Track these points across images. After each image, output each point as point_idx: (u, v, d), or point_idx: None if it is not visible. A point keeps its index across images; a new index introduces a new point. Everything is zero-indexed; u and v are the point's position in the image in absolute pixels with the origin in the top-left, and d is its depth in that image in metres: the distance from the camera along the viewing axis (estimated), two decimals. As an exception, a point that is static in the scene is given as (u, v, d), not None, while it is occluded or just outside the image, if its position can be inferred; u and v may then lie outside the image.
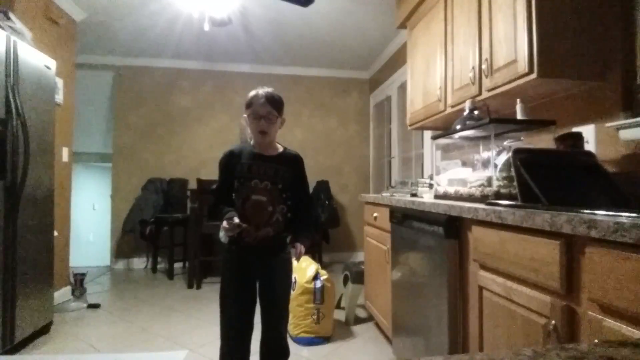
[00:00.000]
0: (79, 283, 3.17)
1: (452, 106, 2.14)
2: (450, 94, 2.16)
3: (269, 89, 1.56)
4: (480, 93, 1.85)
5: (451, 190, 1.80)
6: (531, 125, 1.69)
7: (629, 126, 1.42)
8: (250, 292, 1.58)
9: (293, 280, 2.50)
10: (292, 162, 1.62)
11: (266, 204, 1.53)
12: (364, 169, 5.17)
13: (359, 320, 2.85)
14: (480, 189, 1.56)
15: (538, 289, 1.02)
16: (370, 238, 2.72)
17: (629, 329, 0.76)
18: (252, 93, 1.55)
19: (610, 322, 0.80)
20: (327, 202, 4.55)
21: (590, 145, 1.56)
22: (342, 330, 2.66)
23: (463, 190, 1.69)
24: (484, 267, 1.29)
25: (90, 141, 4.92)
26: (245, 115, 1.57)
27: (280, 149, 1.63)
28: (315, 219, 4.42)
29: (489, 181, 1.53)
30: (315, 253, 4.43)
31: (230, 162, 1.58)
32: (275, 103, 1.53)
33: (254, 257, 1.56)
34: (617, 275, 0.78)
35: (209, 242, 4.10)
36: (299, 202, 1.62)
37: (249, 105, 1.53)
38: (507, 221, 1.11)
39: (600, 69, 1.51)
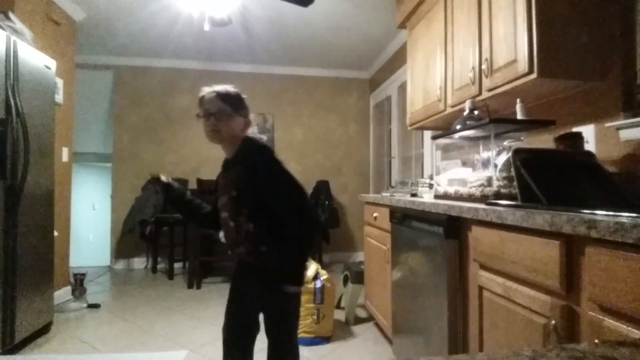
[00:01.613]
0: (79, 283, 3.17)
1: (452, 106, 2.14)
2: (450, 94, 2.16)
3: (226, 85, 1.37)
4: (480, 93, 1.85)
5: (451, 190, 1.80)
6: (531, 125, 1.69)
7: (629, 126, 1.42)
8: (246, 311, 1.41)
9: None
10: (245, 158, 1.34)
11: (228, 220, 1.34)
12: (364, 169, 5.17)
13: (359, 320, 2.85)
14: (480, 189, 1.56)
15: (538, 289, 1.02)
16: (370, 238, 2.72)
17: (629, 329, 0.76)
18: (202, 90, 1.37)
19: (610, 322, 0.80)
20: (327, 202, 4.55)
21: (590, 145, 1.57)
22: (342, 330, 2.66)
23: (463, 190, 1.69)
24: (484, 267, 1.29)
25: (90, 141, 4.93)
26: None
27: (238, 146, 1.36)
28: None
29: (489, 181, 1.53)
30: (315, 253, 4.43)
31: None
32: (228, 98, 1.33)
33: (249, 274, 1.40)
34: (617, 275, 0.78)
35: (209, 242, 4.10)
36: (268, 212, 1.29)
37: (200, 103, 1.35)
38: (507, 221, 1.11)
39: (600, 69, 1.51)
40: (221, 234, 3.65)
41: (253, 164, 1.31)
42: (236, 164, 1.35)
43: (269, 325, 1.40)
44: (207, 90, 1.35)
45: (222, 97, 1.33)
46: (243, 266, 1.43)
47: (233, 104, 1.34)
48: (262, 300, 1.38)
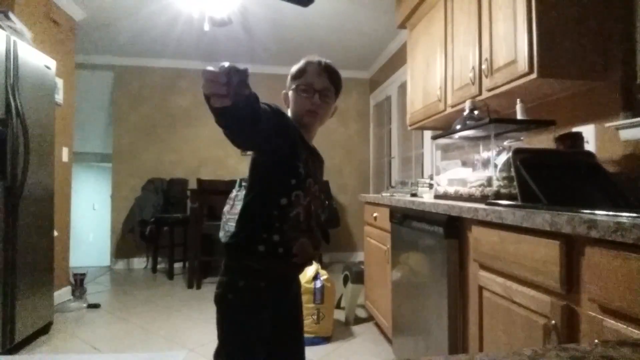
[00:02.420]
0: (79, 283, 3.17)
1: (452, 106, 2.14)
2: (450, 94, 2.16)
3: (328, 61, 1.13)
4: (480, 93, 1.85)
5: (451, 190, 1.80)
6: (531, 125, 1.69)
7: (629, 126, 1.42)
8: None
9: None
10: (323, 167, 1.26)
11: (316, 213, 1.12)
12: (364, 169, 5.17)
13: (359, 320, 2.85)
14: (480, 189, 1.56)
15: (538, 289, 1.02)
16: (370, 238, 2.72)
17: (629, 329, 0.76)
18: (305, 59, 1.13)
19: (610, 322, 0.80)
20: (327, 202, 4.55)
21: (590, 145, 1.56)
22: (342, 330, 2.66)
23: (463, 190, 1.69)
24: (484, 267, 1.29)
25: (90, 141, 4.92)
26: (285, 92, 1.15)
27: None
28: None
29: (489, 181, 1.53)
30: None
31: (294, 132, 1.05)
32: (336, 78, 1.13)
33: (290, 294, 1.15)
34: (617, 275, 0.78)
35: (209, 242, 4.10)
36: None
37: (300, 73, 1.10)
38: (507, 221, 1.11)
39: (600, 69, 1.51)
40: (222, 234, 3.60)
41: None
42: (322, 165, 1.20)
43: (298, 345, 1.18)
44: (312, 60, 1.12)
45: (330, 73, 1.11)
46: (285, 280, 1.12)
47: (337, 85, 1.15)
48: (288, 318, 1.16)
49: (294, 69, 1.13)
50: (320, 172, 1.16)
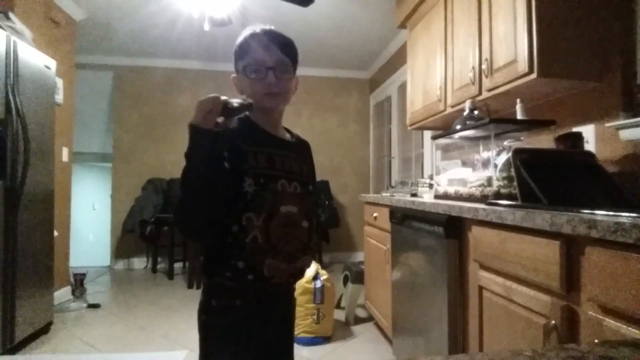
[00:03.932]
0: (79, 283, 3.17)
1: (452, 106, 2.14)
2: (450, 94, 2.16)
3: (272, 27, 0.97)
4: (480, 93, 1.85)
5: (451, 190, 1.80)
6: (531, 125, 1.69)
7: (629, 126, 1.42)
8: None
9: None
10: (308, 152, 1.11)
11: (299, 217, 0.93)
12: (364, 169, 5.17)
13: (359, 320, 2.85)
14: (480, 189, 1.56)
15: (538, 289, 1.02)
16: (370, 238, 2.72)
17: (629, 329, 0.76)
18: (246, 31, 0.95)
19: (610, 322, 0.80)
20: (327, 202, 4.55)
21: (590, 145, 1.57)
22: (342, 330, 2.66)
23: (463, 190, 1.69)
24: (484, 267, 1.29)
25: (90, 141, 4.92)
26: (233, 76, 0.98)
27: (282, 125, 1.06)
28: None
29: (489, 181, 1.53)
30: (315, 253, 4.43)
31: (230, 144, 0.89)
32: (289, 49, 0.96)
33: (275, 314, 0.97)
34: (617, 275, 0.78)
35: (209, 242, 4.09)
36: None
37: (245, 50, 0.94)
38: (507, 221, 1.11)
39: (600, 69, 1.51)
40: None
41: (312, 158, 1.10)
42: (300, 152, 1.03)
43: None
44: (255, 32, 0.94)
45: (281, 44, 0.94)
46: (268, 298, 0.95)
47: (292, 56, 0.96)
48: (278, 337, 1.00)
49: (236, 45, 0.95)
50: (297, 161, 0.98)
